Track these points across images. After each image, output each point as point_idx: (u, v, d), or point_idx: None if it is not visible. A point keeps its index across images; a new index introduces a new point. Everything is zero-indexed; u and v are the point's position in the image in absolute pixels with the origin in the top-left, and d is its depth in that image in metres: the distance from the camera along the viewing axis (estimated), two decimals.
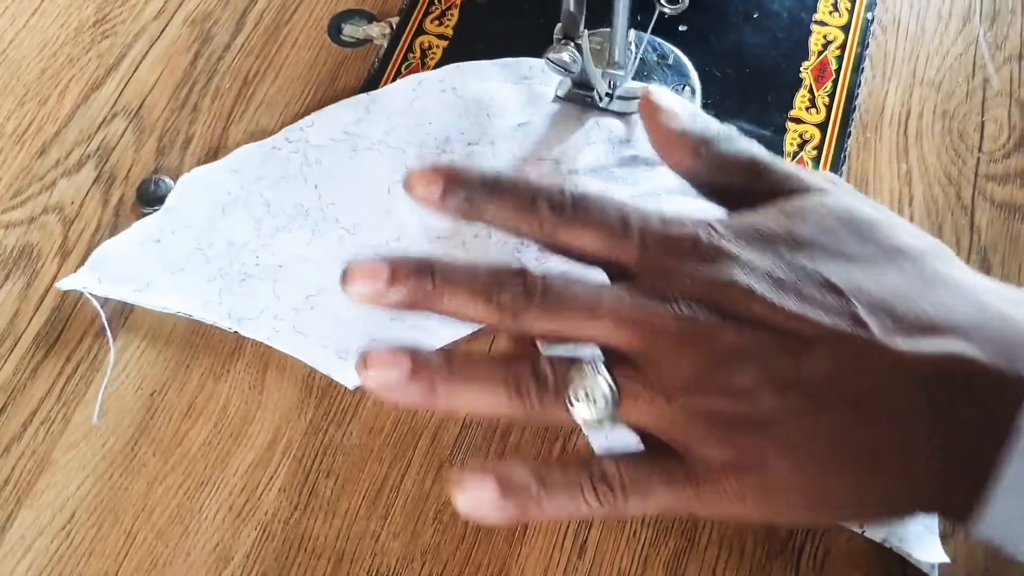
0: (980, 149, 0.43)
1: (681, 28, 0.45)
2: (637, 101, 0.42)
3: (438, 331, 0.37)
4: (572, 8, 0.39)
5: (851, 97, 0.44)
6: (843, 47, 0.45)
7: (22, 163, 0.42)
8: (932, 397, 0.29)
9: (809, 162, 0.42)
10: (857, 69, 0.44)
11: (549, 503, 0.30)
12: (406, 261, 0.33)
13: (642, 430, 0.32)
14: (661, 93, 0.37)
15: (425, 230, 0.39)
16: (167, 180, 0.42)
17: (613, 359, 0.32)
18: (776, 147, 0.42)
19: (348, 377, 0.37)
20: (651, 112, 0.36)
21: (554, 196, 0.34)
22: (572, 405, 0.31)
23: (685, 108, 0.36)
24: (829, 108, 0.43)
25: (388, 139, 0.42)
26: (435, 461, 0.36)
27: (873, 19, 0.46)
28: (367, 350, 0.32)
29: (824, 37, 0.45)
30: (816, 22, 0.46)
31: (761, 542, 0.34)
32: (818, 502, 0.30)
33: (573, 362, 0.32)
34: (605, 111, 0.43)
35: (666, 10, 0.36)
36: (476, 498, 0.30)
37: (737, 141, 0.36)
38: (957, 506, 0.29)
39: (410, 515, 0.35)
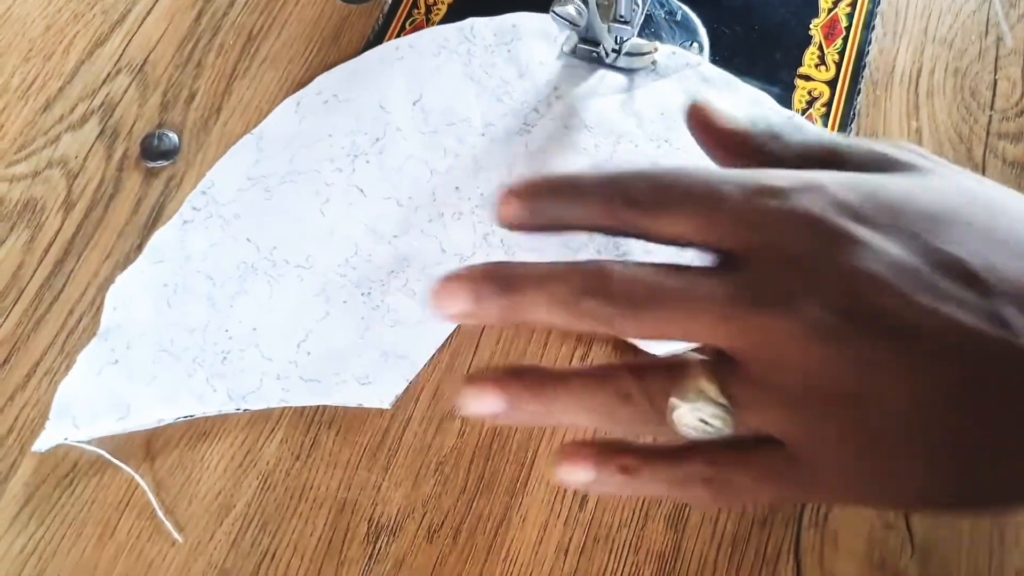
0: (992, 107, 0.42)
1: None
2: (643, 57, 0.42)
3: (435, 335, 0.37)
4: None
5: (861, 54, 0.43)
6: (853, 4, 0.44)
7: (27, 118, 0.42)
8: None
9: (818, 119, 0.41)
10: (868, 26, 0.44)
11: (648, 484, 0.27)
12: (483, 279, 0.27)
13: (758, 436, 0.28)
14: (707, 101, 0.31)
15: (378, 236, 0.38)
16: (171, 135, 0.41)
17: (717, 362, 0.27)
18: (785, 104, 0.42)
19: (381, 398, 0.36)
20: (702, 118, 0.31)
21: (631, 187, 0.29)
22: (683, 430, 0.27)
23: (737, 108, 0.32)
24: (839, 65, 0.43)
25: (295, 167, 0.40)
26: (436, 414, 0.36)
27: None
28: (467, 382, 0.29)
29: None
30: None
31: None
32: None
33: (674, 378, 0.27)
34: (611, 67, 0.42)
35: None
36: (599, 483, 0.27)
37: (806, 129, 0.31)
38: None
39: (411, 467, 0.35)
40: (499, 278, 0.27)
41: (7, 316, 0.38)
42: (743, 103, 0.41)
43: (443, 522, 0.34)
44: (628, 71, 0.42)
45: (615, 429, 0.28)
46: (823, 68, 0.43)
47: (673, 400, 0.26)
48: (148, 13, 0.45)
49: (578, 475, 0.27)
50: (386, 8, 0.45)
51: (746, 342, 0.27)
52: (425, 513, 0.34)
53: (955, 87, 0.42)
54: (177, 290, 0.38)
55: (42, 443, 0.35)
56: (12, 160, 0.41)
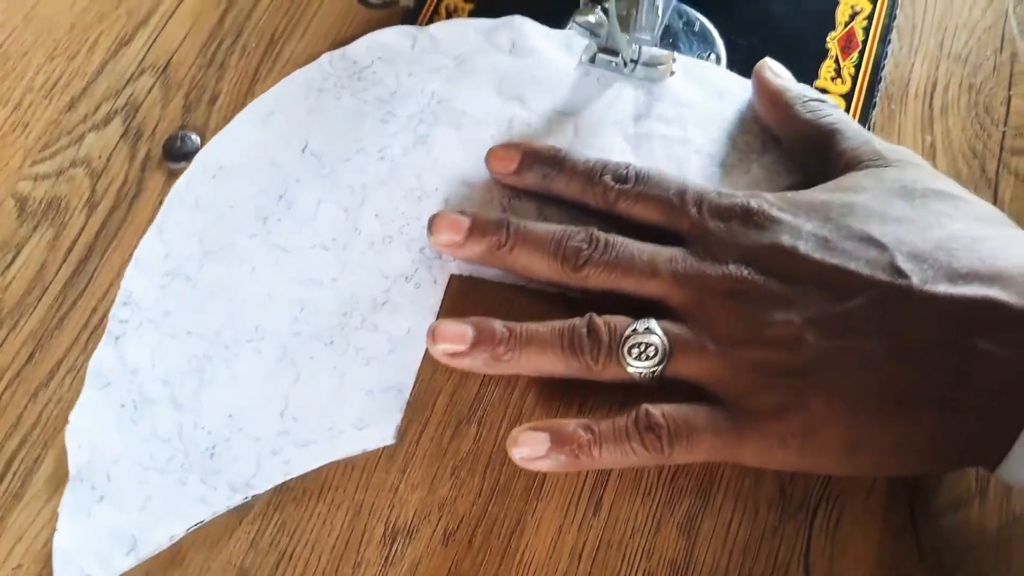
0: (1006, 123, 0.42)
1: None
2: (662, 68, 0.43)
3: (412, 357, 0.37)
4: None
5: (877, 68, 0.43)
6: (870, 18, 0.45)
7: (51, 117, 0.43)
8: (964, 339, 0.30)
9: None
10: (884, 40, 0.44)
11: (599, 452, 0.33)
12: (485, 218, 0.37)
13: (692, 382, 0.34)
14: (773, 62, 0.41)
15: (317, 284, 0.38)
16: (193, 137, 0.42)
17: (665, 316, 0.35)
18: None
19: (383, 436, 0.36)
20: (761, 71, 0.41)
21: (618, 170, 0.38)
22: (626, 360, 0.34)
23: (790, 76, 0.41)
24: (855, 79, 0.43)
25: (208, 247, 0.39)
26: (453, 418, 0.36)
27: None
28: (436, 324, 0.36)
29: (851, 7, 0.45)
30: None
31: (775, 503, 0.34)
32: (856, 446, 0.31)
33: (626, 321, 0.34)
34: (630, 78, 0.43)
35: None
36: (532, 450, 0.33)
37: (826, 107, 0.39)
38: (988, 451, 0.30)
39: (428, 469, 0.35)
40: (503, 222, 0.37)
41: (32, 313, 0.38)
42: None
43: (459, 526, 0.34)
44: (646, 81, 0.43)
45: (575, 367, 0.34)
46: (839, 81, 0.43)
47: (624, 332, 0.33)
48: (172, 14, 0.45)
49: (536, 448, 0.33)
50: (408, 15, 0.45)
51: (688, 298, 0.34)
52: (441, 516, 0.34)
53: (969, 103, 0.43)
54: (137, 406, 0.36)
55: None
56: (37, 159, 0.42)
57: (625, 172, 0.37)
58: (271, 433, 0.36)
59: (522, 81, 0.43)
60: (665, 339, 0.33)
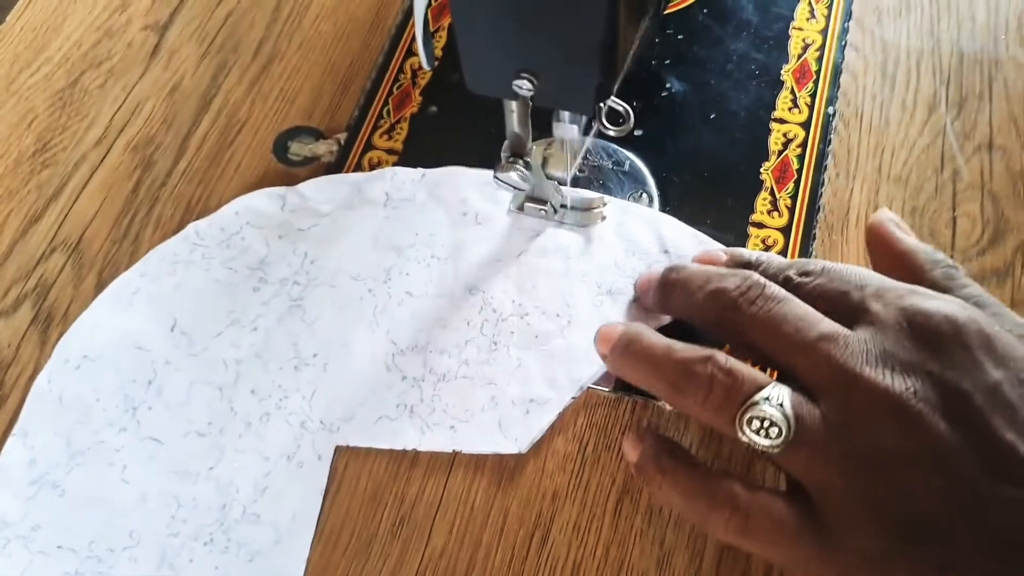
0: (953, 247, 0.41)
1: (636, 132, 0.44)
2: (592, 212, 0.41)
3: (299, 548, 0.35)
4: (517, 129, 0.37)
5: (815, 198, 0.42)
6: (804, 145, 0.43)
7: None
8: None
9: None
10: (820, 168, 0.43)
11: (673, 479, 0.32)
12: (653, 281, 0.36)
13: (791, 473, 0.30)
14: (892, 214, 0.36)
15: (193, 476, 0.36)
16: None
17: (802, 394, 0.30)
18: None
19: None
20: (885, 227, 0.35)
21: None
22: (742, 426, 0.29)
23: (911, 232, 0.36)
24: (792, 210, 0.42)
25: (75, 447, 0.36)
26: None
27: (835, 113, 0.44)
28: (604, 326, 0.35)
29: (784, 135, 0.44)
30: (775, 119, 0.44)
31: None
32: None
33: (754, 380, 0.30)
34: (560, 224, 0.41)
35: (611, 132, 0.35)
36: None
37: (965, 278, 0.33)
38: None
39: None
40: (669, 272, 0.36)
41: None
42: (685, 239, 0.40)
43: None
44: (580, 226, 0.41)
45: (686, 403, 0.31)
46: (776, 214, 0.42)
47: (754, 396, 0.29)
48: (84, 186, 0.44)
49: (628, 452, 0.33)
50: (329, 168, 0.44)
51: (834, 389, 0.29)
52: None
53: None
54: None
55: None
56: None
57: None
58: None
59: (397, 231, 0.41)
60: (792, 427, 0.29)
